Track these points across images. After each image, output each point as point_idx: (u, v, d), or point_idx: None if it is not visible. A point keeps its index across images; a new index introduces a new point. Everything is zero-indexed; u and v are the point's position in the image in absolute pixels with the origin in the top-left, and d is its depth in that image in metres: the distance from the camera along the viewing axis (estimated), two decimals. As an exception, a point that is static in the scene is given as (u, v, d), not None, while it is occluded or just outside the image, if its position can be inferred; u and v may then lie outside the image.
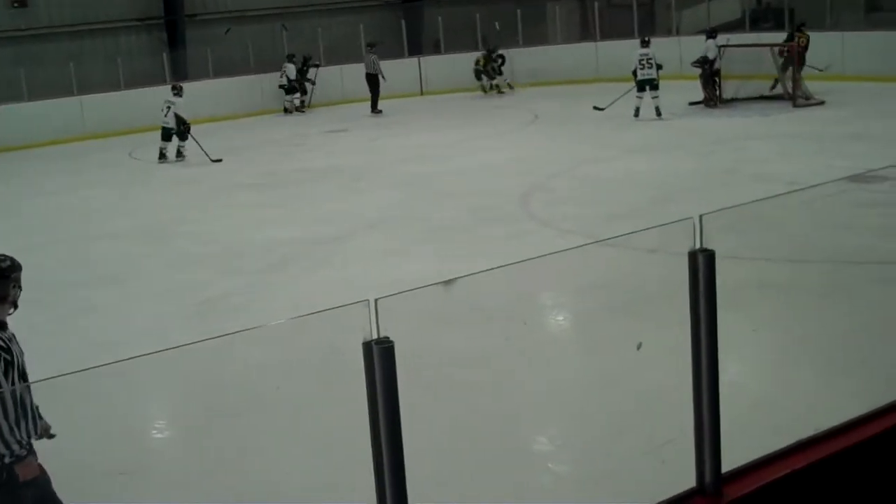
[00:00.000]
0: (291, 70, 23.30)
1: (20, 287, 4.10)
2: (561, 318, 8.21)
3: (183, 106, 18.01)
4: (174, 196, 14.79)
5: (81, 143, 21.33)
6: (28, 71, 22.11)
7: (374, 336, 2.75)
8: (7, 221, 13.75)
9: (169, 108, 18.04)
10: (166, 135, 18.11)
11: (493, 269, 3.47)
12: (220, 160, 17.35)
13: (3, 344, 3.98)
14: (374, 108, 22.63)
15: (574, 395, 5.96)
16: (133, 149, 19.92)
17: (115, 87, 23.09)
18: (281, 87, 23.63)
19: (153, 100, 22.54)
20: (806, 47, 18.65)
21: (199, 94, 21.02)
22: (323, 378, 5.89)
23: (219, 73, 24.10)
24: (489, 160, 15.41)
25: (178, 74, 24.27)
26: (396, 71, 24.99)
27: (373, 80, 22.70)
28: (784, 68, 18.71)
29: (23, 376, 4.07)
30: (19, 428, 3.94)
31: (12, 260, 4.13)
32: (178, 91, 18.38)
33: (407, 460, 2.80)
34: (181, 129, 17.95)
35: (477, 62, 24.68)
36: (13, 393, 3.99)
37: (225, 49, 24.54)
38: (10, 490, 3.99)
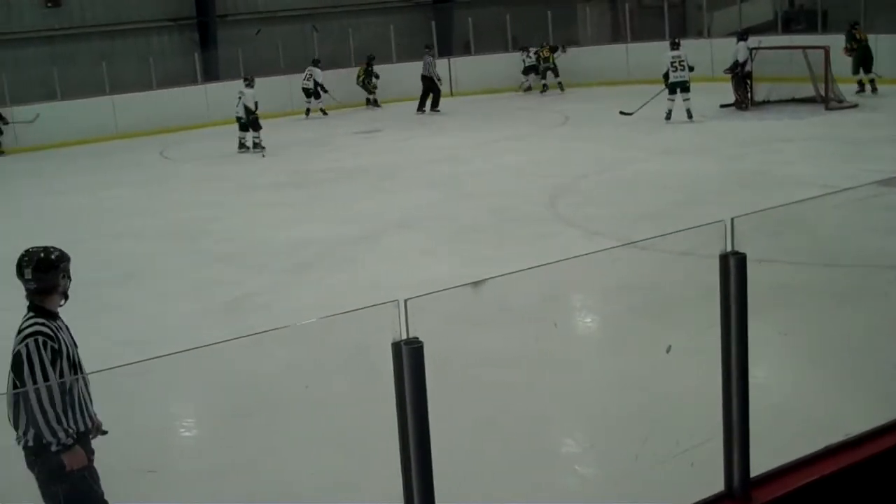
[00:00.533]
0: (319, 74, 23.19)
1: (69, 277, 4.20)
2: (589, 320, 8.18)
3: (251, 97, 18.43)
4: (203, 195, 14.87)
5: (113, 142, 21.50)
6: (61, 70, 22.33)
7: (404, 336, 2.75)
8: (36, 219, 13.90)
9: (239, 98, 18.58)
10: (242, 125, 18.63)
11: (522, 270, 3.46)
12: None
13: (50, 332, 4.04)
14: (434, 107, 22.75)
15: (602, 397, 5.94)
16: (164, 148, 20.08)
17: (147, 86, 23.27)
18: (305, 90, 23.42)
19: (184, 100, 22.81)
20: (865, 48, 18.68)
21: (229, 95, 21.07)
22: (351, 378, 5.90)
23: (249, 73, 24.12)
24: (518, 161, 15.40)
25: (210, 75, 24.46)
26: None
27: (428, 82, 22.79)
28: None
29: (74, 367, 4.13)
30: (66, 417, 3.99)
31: (61, 251, 4.23)
32: (249, 82, 18.92)
33: (434, 460, 2.80)
34: (249, 118, 18.40)
35: (538, 57, 24.79)
36: (61, 383, 4.06)
37: (255, 49, 24.67)
38: (57, 478, 4.05)
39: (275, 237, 11.55)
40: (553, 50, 24.68)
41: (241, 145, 18.73)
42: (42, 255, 4.20)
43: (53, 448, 3.97)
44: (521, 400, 5.90)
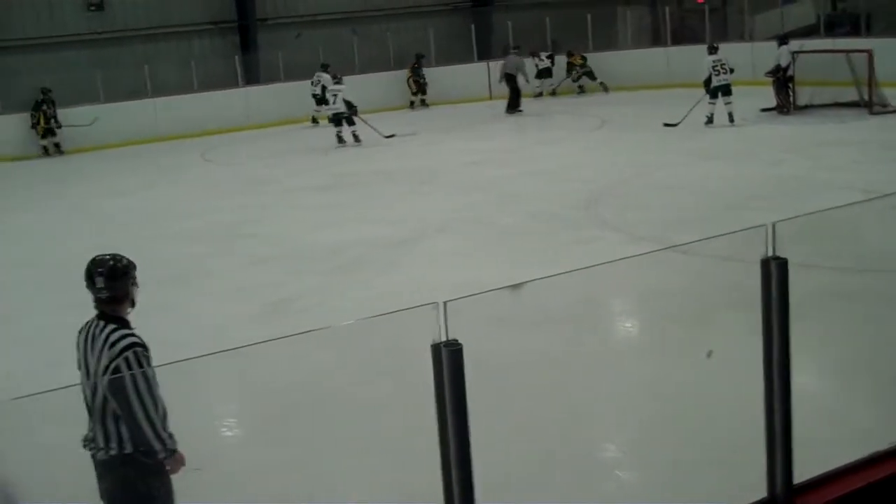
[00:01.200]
0: (328, 80, 22.88)
1: (137, 285, 4.19)
2: (629, 324, 8.14)
3: (348, 91, 19.28)
4: (244, 197, 14.97)
5: (154, 144, 21.71)
6: (104, 73, 22.59)
7: (443, 338, 2.76)
8: (79, 221, 14.07)
9: (336, 95, 19.23)
10: (337, 121, 19.26)
11: (561, 273, 3.46)
12: (392, 135, 19.41)
13: (142, 342, 4.06)
14: (515, 108, 22.72)
15: (643, 401, 5.91)
16: (205, 151, 20.24)
17: (189, 89, 23.48)
18: (314, 96, 22.98)
19: (225, 102, 22.99)
20: None
21: (269, 98, 21.28)
22: (391, 379, 5.92)
23: (290, 76, 24.35)
24: (556, 165, 15.37)
25: (250, 78, 24.62)
26: (465, 75, 25.15)
27: (512, 80, 22.82)
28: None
29: None
30: (166, 422, 4.04)
31: (128, 259, 4.22)
32: (338, 79, 19.90)
33: (473, 461, 2.80)
34: (351, 111, 19.11)
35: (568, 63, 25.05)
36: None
37: (296, 53, 24.79)
38: (164, 484, 4.09)
39: (315, 240, 11.61)
40: (584, 58, 24.75)
41: (340, 139, 19.33)
42: (112, 262, 4.16)
43: (161, 455, 4.00)
44: (560, 403, 5.88)
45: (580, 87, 24.93)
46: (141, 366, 4.00)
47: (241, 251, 11.46)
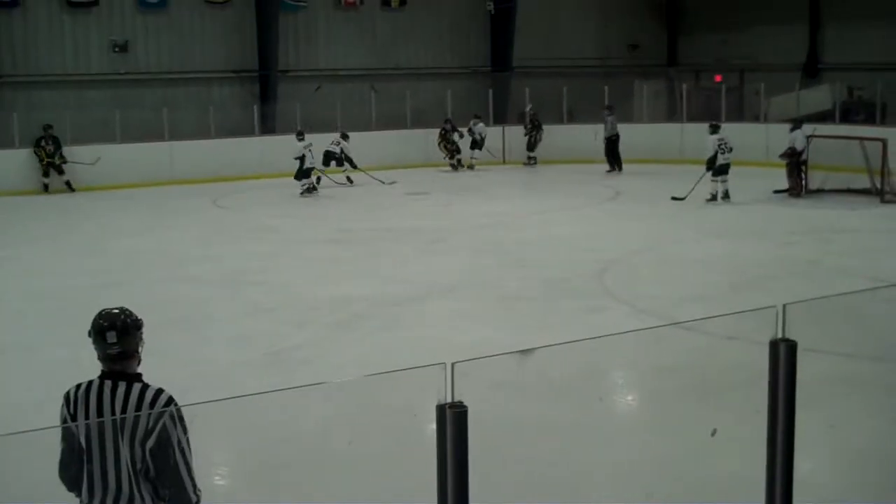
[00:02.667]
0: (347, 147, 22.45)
1: (143, 341, 4.08)
2: (631, 397, 8.09)
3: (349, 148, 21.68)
4: (251, 245, 14.98)
5: (167, 187, 21.79)
6: (123, 114, 22.77)
7: (449, 399, 2.74)
8: (89, 259, 14.07)
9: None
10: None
11: (568, 342, 3.45)
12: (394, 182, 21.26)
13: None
14: (618, 167, 23.26)
15: (643, 475, 5.84)
16: (218, 197, 20.33)
17: (205, 135, 23.64)
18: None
19: (240, 150, 23.14)
20: None
21: (284, 148, 21.35)
22: (390, 436, 5.87)
23: (306, 128, 24.49)
24: (567, 232, 15.39)
25: (267, 127, 24.81)
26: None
27: (613, 143, 23.29)
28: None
29: None
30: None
31: (135, 314, 4.08)
32: (346, 137, 22.10)
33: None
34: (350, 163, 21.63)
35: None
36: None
37: (314, 106, 24.99)
38: None
39: (320, 292, 11.59)
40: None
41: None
42: (122, 317, 3.96)
43: (194, 501, 3.91)
44: (560, 472, 5.83)
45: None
46: (182, 420, 3.84)
47: (245, 298, 11.45)
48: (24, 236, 16.17)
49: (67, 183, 21.57)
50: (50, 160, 21.44)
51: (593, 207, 18.52)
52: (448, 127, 24.67)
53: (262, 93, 26.06)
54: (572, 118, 26.32)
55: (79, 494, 3.93)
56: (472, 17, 29.17)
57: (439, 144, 24.76)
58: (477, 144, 24.66)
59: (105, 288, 10.96)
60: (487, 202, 19.30)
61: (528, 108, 25.53)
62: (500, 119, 26.72)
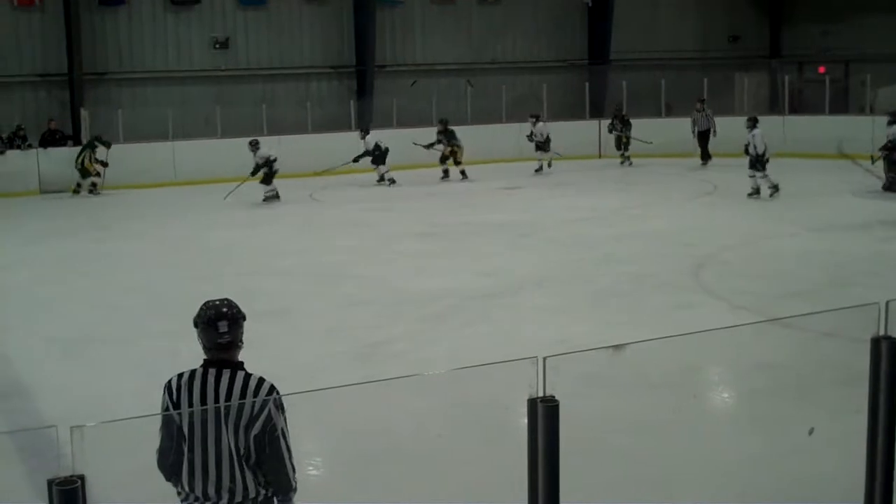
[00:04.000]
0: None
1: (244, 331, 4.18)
2: (727, 394, 7.97)
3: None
4: (345, 239, 15.14)
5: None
6: (223, 109, 23.25)
7: (540, 394, 2.74)
8: (185, 253, 14.37)
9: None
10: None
11: (662, 337, 3.42)
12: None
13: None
14: (707, 159, 23.21)
15: (738, 475, 5.75)
16: (313, 191, 20.59)
17: (303, 129, 23.99)
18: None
19: (336, 145, 23.38)
20: None
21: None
22: (482, 430, 5.88)
23: (402, 123, 24.70)
24: (662, 227, 15.20)
25: (364, 122, 25.03)
26: (576, 132, 25.06)
27: (705, 136, 23.29)
28: None
29: None
30: None
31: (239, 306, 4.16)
32: (366, 132, 21.76)
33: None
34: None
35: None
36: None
37: (410, 100, 25.16)
38: None
39: (412, 286, 11.66)
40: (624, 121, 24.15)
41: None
42: (227, 308, 4.09)
43: (294, 487, 3.99)
44: (650, 468, 5.77)
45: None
46: (283, 408, 3.92)
47: (339, 292, 11.56)
48: (127, 232, 16.59)
49: (94, 185, 21.27)
50: (90, 164, 21.04)
51: (690, 202, 18.26)
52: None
53: (360, 88, 26.30)
54: (670, 111, 25.94)
55: (177, 483, 3.99)
56: (570, 10, 28.96)
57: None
58: (542, 147, 23.07)
59: (196, 282, 11.11)
60: (580, 196, 19.18)
61: (616, 107, 25.00)
62: (597, 112, 26.50)
